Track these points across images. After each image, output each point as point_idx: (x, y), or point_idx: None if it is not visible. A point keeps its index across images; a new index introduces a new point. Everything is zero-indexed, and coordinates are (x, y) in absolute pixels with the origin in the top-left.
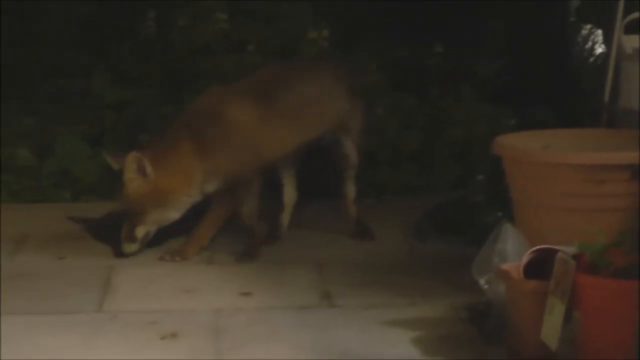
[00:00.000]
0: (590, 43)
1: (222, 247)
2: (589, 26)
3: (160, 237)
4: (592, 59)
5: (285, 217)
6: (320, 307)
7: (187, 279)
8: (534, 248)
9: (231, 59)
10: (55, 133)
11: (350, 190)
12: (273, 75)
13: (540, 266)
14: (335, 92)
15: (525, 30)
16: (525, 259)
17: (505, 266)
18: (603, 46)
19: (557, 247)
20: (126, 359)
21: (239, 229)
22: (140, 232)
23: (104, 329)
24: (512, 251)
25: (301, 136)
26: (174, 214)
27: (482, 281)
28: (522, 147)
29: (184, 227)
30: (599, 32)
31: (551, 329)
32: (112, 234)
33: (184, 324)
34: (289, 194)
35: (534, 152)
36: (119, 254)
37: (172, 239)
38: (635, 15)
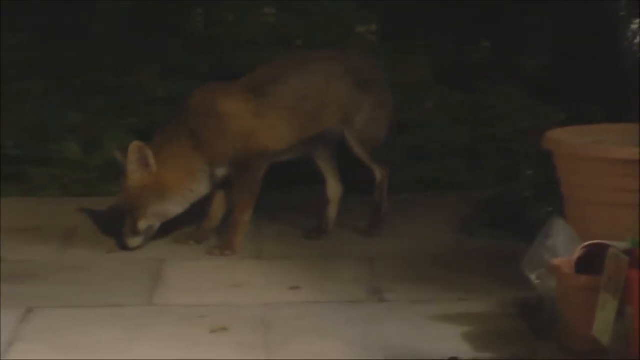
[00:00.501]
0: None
1: (271, 241)
2: (638, 20)
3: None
4: None
5: (332, 212)
6: (368, 302)
7: (236, 272)
8: (586, 243)
9: (278, 53)
10: (102, 127)
11: (376, 174)
12: (274, 69)
13: (591, 261)
14: (337, 85)
15: (574, 24)
16: (576, 254)
17: (556, 261)
18: None
19: (609, 243)
20: (176, 352)
21: (287, 223)
22: (143, 225)
23: (153, 322)
24: (563, 246)
25: (303, 128)
26: (176, 208)
27: (533, 277)
28: (572, 142)
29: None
30: None
31: (603, 325)
32: (119, 227)
33: (233, 317)
34: (333, 188)
35: (583, 147)
36: (124, 247)
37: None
38: None
